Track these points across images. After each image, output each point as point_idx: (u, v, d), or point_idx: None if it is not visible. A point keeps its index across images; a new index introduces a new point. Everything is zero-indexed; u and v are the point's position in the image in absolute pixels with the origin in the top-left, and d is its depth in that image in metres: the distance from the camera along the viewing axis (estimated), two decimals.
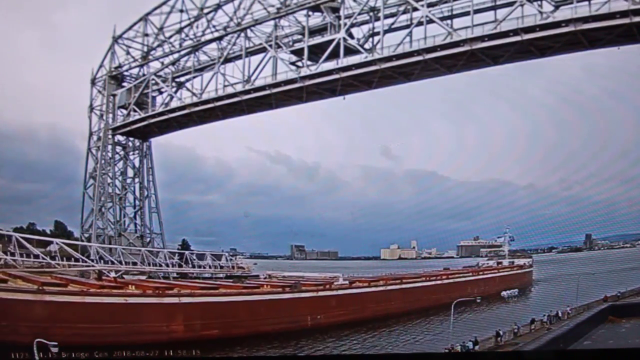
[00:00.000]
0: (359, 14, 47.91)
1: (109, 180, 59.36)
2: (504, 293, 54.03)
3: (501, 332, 30.29)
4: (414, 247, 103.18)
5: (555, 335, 27.81)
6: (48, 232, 63.03)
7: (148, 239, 60.96)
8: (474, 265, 70.08)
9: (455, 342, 27.54)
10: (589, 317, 34.13)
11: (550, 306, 38.24)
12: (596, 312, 35.87)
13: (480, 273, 62.00)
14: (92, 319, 28.87)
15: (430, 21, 43.95)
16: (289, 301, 37.82)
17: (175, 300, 32.70)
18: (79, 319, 28.41)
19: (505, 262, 69.67)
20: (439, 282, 52.35)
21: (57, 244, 46.94)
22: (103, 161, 59.11)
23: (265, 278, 52.16)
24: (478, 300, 37.53)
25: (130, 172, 62.12)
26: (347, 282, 45.28)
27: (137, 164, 62.24)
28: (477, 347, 27.36)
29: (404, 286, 47.92)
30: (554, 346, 25.50)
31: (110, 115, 60.14)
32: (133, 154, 62.42)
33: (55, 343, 18.68)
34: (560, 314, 36.79)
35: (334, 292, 41.65)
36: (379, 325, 38.05)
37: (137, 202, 61.69)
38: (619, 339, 29.23)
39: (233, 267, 59.32)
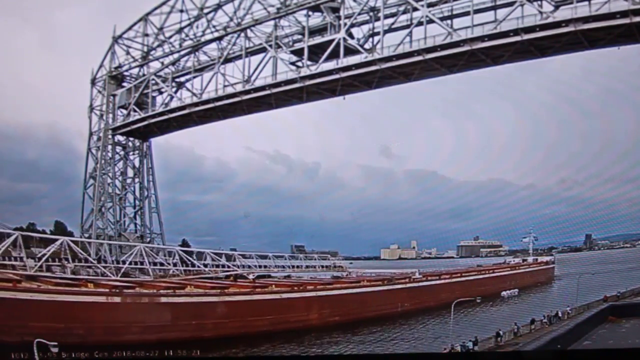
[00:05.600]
0: (359, 14, 47.85)
1: (109, 180, 59.33)
2: (503, 293, 54.62)
3: (501, 332, 30.32)
4: (414, 247, 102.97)
5: (555, 335, 27.77)
6: (48, 232, 62.87)
7: (148, 239, 60.95)
8: (501, 263, 76.80)
9: (455, 342, 27.56)
10: (589, 317, 34.08)
11: (572, 297, 41.64)
12: (596, 312, 35.82)
13: (517, 268, 70.57)
14: (258, 312, 36.07)
15: (430, 21, 43.90)
16: (386, 292, 45.81)
17: (313, 294, 40.32)
18: (248, 313, 35.71)
19: (530, 259, 76.22)
20: (488, 275, 61.33)
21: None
22: (103, 161, 59.08)
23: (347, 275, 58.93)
24: (478, 301, 38.14)
25: (130, 172, 62.07)
26: (421, 276, 52.07)
27: (137, 164, 62.20)
28: (476, 347, 27.39)
29: (463, 279, 55.89)
30: (554, 346, 25.48)
31: (110, 115, 60.05)
32: (133, 154, 62.36)
33: (55, 343, 18.59)
34: (560, 314, 36.85)
35: (416, 284, 49.59)
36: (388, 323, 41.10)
37: (137, 202, 61.74)
38: (619, 339, 29.20)
39: (334, 266, 66.48)
